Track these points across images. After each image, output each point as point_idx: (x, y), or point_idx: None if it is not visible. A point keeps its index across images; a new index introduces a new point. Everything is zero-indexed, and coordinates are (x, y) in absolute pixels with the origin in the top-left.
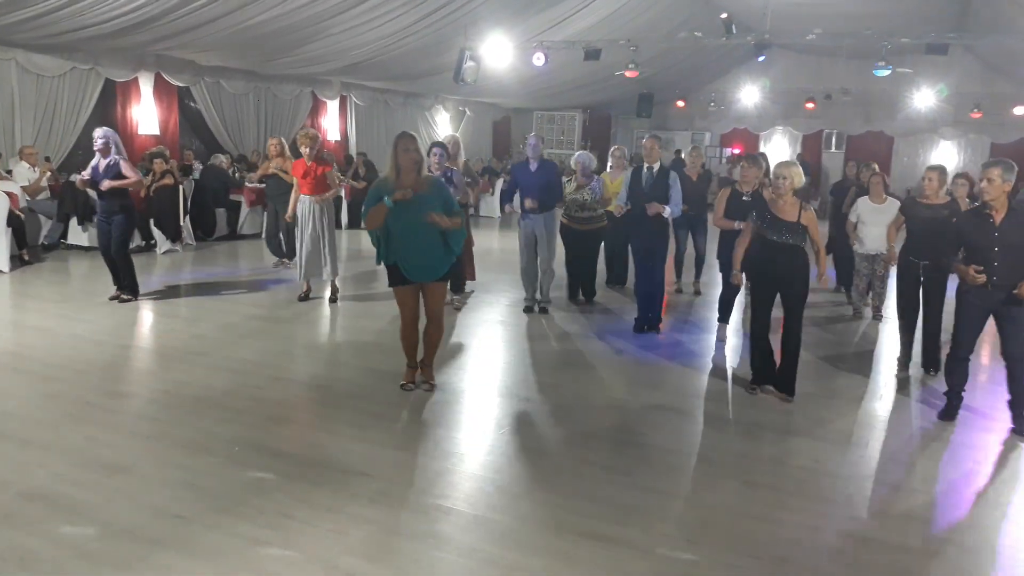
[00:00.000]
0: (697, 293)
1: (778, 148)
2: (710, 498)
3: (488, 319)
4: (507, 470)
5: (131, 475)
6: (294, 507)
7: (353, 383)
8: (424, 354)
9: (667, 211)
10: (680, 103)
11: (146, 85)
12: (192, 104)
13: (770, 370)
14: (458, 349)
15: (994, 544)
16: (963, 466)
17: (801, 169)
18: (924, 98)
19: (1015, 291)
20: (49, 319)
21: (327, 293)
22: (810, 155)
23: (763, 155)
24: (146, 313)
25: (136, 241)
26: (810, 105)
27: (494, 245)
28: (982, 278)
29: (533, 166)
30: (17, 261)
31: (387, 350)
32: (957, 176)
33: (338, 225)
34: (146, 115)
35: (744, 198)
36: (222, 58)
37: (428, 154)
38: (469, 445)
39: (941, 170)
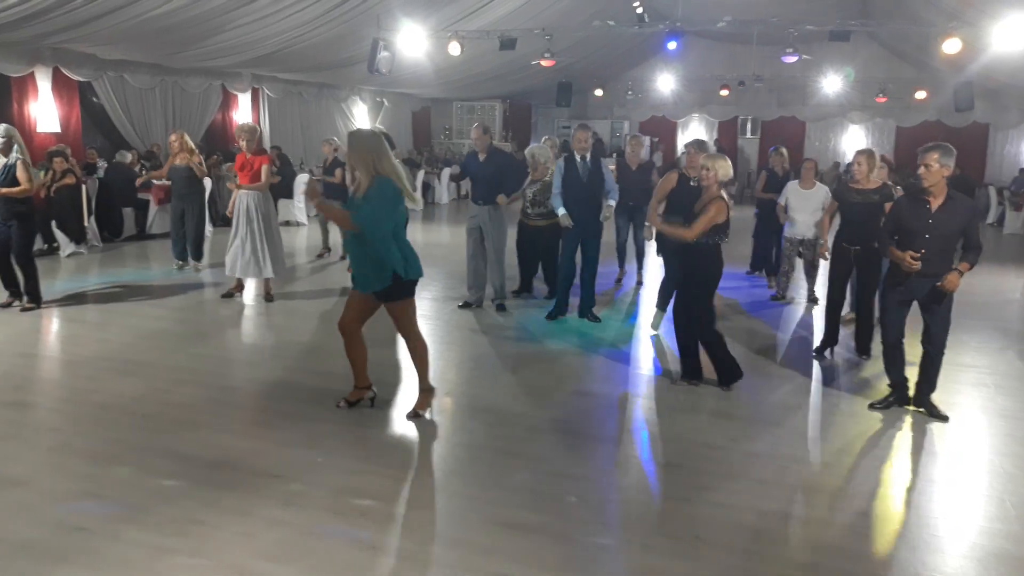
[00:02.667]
0: (639, 284)
1: (695, 135)
2: (626, 481)
3: None
4: (424, 465)
5: (29, 488)
6: (202, 512)
7: (265, 383)
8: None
9: (611, 203)
10: (598, 92)
11: (43, 80)
12: (95, 99)
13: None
14: (379, 343)
15: (910, 515)
16: (879, 441)
17: (725, 161)
18: (832, 84)
19: (938, 284)
20: None
21: (251, 291)
22: (726, 140)
23: (704, 142)
24: (49, 320)
25: (38, 244)
26: (724, 92)
27: (417, 238)
28: (917, 265)
29: (481, 157)
30: None
31: (300, 348)
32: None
33: None
34: (45, 112)
35: (692, 183)
36: (125, 51)
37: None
38: (386, 441)
39: (869, 154)
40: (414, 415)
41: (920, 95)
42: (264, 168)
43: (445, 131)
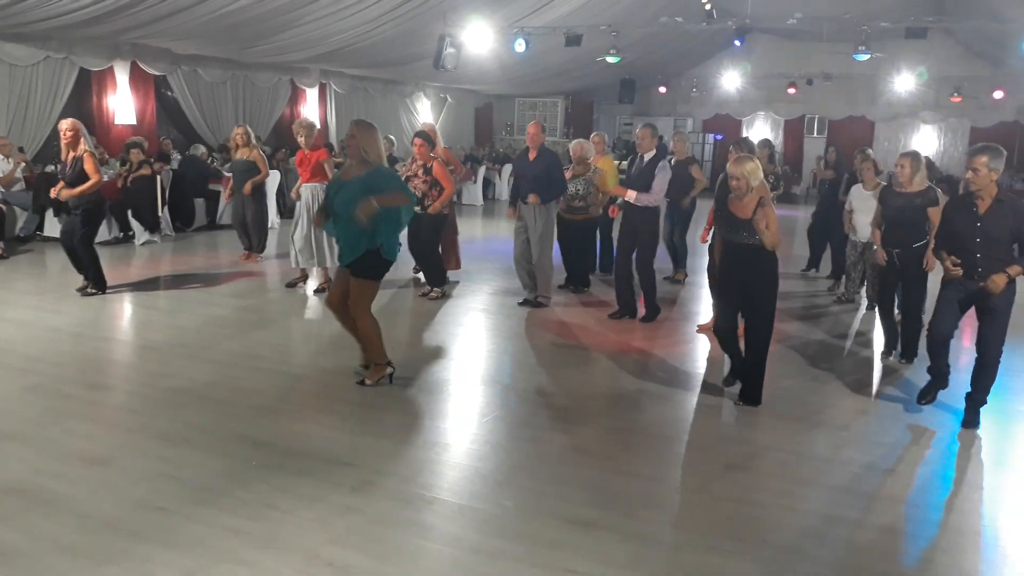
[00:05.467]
0: (678, 281)
1: (760, 133)
2: (693, 482)
3: (472, 307)
4: (491, 458)
5: (111, 468)
6: (276, 497)
7: (333, 372)
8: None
9: (631, 194)
10: (662, 89)
11: (122, 74)
12: (169, 93)
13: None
14: (442, 338)
15: (976, 526)
16: (945, 449)
17: (754, 164)
18: (904, 82)
19: (982, 283)
20: (27, 312)
21: (312, 284)
22: (791, 139)
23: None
24: (125, 305)
25: (114, 232)
26: (792, 90)
27: (477, 233)
28: (959, 272)
29: (532, 155)
30: None
31: None
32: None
33: None
34: (122, 105)
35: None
36: (199, 46)
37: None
38: (453, 434)
39: (914, 156)
40: (362, 383)
41: (997, 94)
42: (322, 162)
43: (507, 127)
